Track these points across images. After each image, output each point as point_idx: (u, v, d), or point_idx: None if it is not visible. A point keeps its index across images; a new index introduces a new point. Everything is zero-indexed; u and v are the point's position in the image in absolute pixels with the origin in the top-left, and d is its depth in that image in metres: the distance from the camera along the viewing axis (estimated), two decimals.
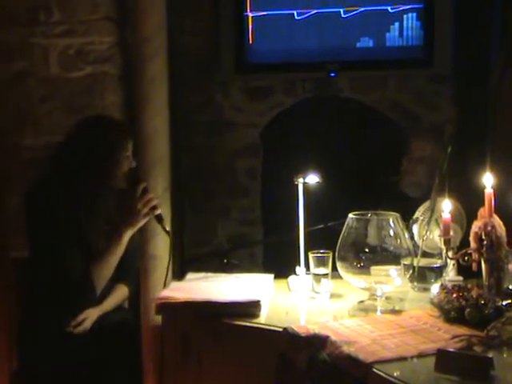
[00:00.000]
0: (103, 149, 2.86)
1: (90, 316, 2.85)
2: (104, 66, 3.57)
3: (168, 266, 2.71)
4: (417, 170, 3.66)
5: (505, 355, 1.93)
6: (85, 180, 2.84)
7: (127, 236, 2.85)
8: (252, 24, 4.36)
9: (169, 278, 2.77)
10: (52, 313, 2.83)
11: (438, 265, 2.62)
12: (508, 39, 3.99)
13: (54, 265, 2.79)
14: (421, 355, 1.91)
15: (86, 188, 2.84)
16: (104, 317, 2.91)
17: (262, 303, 2.39)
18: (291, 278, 2.70)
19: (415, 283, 2.60)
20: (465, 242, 2.44)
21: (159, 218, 2.77)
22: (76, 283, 2.79)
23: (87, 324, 2.83)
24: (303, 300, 2.58)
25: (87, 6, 3.56)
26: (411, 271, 2.43)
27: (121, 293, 3.01)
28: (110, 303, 2.95)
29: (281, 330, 2.18)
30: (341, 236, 2.40)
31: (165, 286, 2.67)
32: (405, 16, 4.31)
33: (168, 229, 2.74)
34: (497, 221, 2.29)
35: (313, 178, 2.74)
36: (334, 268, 2.46)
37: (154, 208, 2.78)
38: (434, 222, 2.67)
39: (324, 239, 2.69)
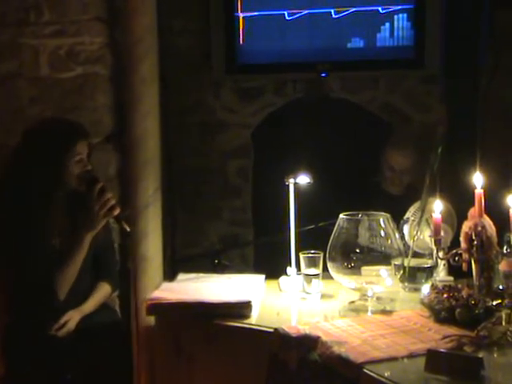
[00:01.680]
0: (47, 155, 2.84)
1: (73, 317, 2.84)
2: (94, 66, 3.56)
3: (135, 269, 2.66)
4: (403, 181, 3.71)
5: (495, 355, 1.94)
6: (35, 185, 2.83)
7: (88, 239, 2.83)
8: (243, 24, 4.36)
9: (160, 278, 2.77)
10: (32, 315, 2.82)
11: (428, 265, 2.63)
12: (497, 40, 4.01)
13: (15, 268, 2.80)
14: (411, 355, 1.91)
15: (38, 193, 2.83)
16: (92, 318, 2.90)
17: (253, 304, 2.39)
18: (282, 278, 2.70)
19: (406, 283, 2.61)
20: (455, 243, 2.45)
21: (118, 219, 2.75)
22: (37, 287, 2.78)
23: (71, 326, 2.82)
24: (294, 300, 2.58)
25: (77, 7, 3.54)
26: (402, 271, 2.44)
27: (103, 291, 3.01)
28: (92, 303, 2.94)
29: (272, 330, 2.18)
30: (332, 236, 2.40)
31: (135, 291, 2.60)
32: (395, 16, 4.32)
33: (128, 229, 2.71)
34: (487, 221, 2.29)
35: (304, 179, 2.74)
36: (325, 268, 2.46)
37: (113, 208, 2.77)
38: (425, 223, 2.67)
39: (315, 240, 2.69)
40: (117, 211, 2.77)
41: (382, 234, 2.36)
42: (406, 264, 2.49)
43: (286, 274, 2.69)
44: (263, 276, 2.78)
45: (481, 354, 1.86)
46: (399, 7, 4.30)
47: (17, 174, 2.89)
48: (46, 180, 2.83)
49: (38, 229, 2.81)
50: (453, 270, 2.56)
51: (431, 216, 2.46)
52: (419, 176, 2.81)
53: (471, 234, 2.27)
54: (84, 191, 2.86)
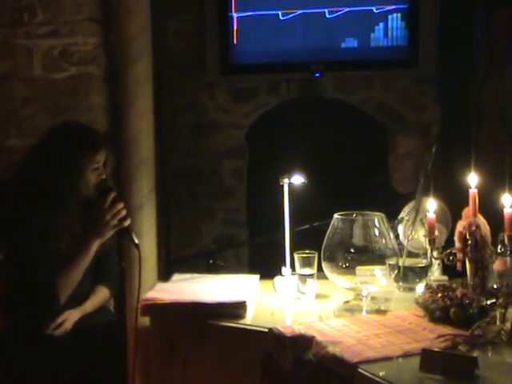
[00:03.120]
0: (64, 164, 2.83)
1: (70, 317, 2.84)
2: (88, 67, 3.56)
3: (139, 281, 2.64)
4: (404, 166, 3.69)
5: (489, 354, 1.94)
6: (49, 190, 2.82)
7: (95, 246, 2.82)
8: (237, 25, 4.36)
9: (154, 279, 2.77)
10: (31, 315, 2.82)
11: (423, 265, 2.63)
12: (492, 39, 4.01)
13: (17, 270, 2.79)
14: (406, 355, 1.91)
15: (50, 198, 2.82)
16: (88, 318, 2.90)
17: (247, 304, 2.39)
18: (277, 278, 2.70)
19: (400, 283, 2.61)
20: (450, 242, 2.45)
21: (128, 230, 2.74)
22: (39, 290, 2.78)
23: (67, 325, 2.82)
24: (289, 301, 2.58)
25: (71, 7, 3.53)
26: (396, 271, 2.44)
27: (102, 294, 3.01)
28: (90, 304, 2.94)
29: (266, 330, 2.18)
30: (326, 236, 2.40)
31: (138, 300, 2.59)
32: (389, 16, 4.32)
33: (137, 241, 2.69)
34: (481, 220, 2.30)
35: (298, 179, 2.74)
36: (320, 268, 2.46)
37: (124, 219, 2.76)
38: (419, 222, 2.67)
39: (310, 240, 2.69)
40: (127, 222, 2.75)
41: (377, 233, 2.36)
42: (400, 264, 2.49)
43: (281, 274, 2.69)
44: (258, 276, 2.78)
45: (475, 354, 1.86)
46: (393, 7, 4.31)
47: (29, 174, 2.88)
48: (61, 184, 2.82)
49: (41, 231, 2.80)
50: (447, 269, 2.56)
51: (425, 216, 2.47)
52: (420, 166, 2.80)
53: (465, 234, 2.28)
54: (96, 198, 2.84)
